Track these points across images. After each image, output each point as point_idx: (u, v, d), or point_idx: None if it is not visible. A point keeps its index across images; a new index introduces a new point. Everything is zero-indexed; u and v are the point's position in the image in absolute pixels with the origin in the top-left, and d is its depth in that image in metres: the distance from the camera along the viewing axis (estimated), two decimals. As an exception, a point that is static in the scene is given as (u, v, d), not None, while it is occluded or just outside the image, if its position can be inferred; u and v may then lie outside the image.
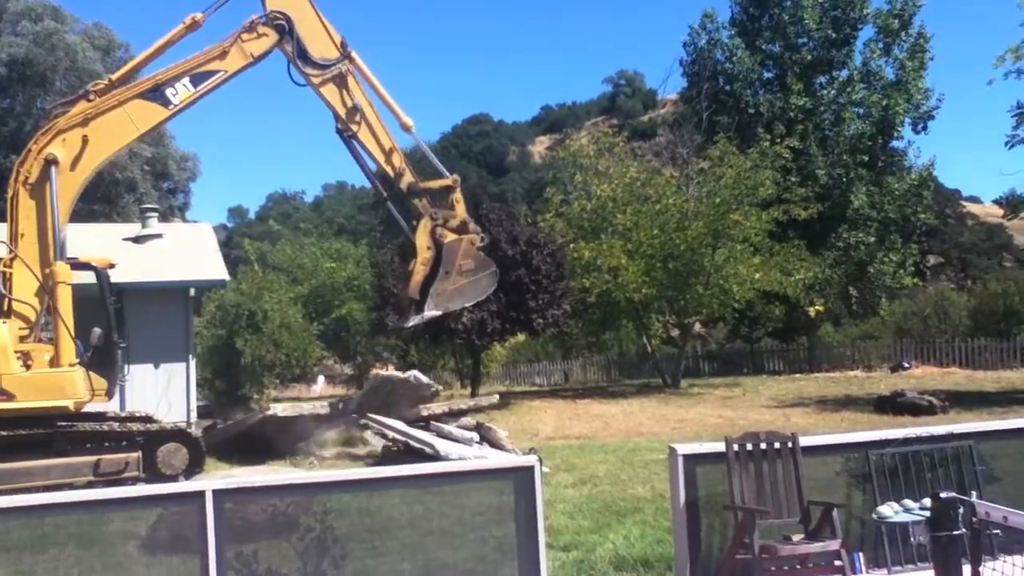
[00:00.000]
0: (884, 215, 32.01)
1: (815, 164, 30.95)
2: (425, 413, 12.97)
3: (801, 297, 28.39)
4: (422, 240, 10.77)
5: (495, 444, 12.37)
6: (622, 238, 24.34)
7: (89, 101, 10.51)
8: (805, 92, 32.12)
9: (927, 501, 4.94)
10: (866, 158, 31.80)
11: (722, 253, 24.40)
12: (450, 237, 10.70)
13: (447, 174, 11.23)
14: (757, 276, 24.46)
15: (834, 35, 32.60)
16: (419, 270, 10.69)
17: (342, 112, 10.89)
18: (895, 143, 33.18)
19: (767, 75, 33.80)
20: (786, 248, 26.29)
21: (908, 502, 5.34)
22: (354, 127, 10.92)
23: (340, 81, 10.87)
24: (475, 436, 12.39)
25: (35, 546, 4.58)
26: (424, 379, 14.74)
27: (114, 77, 11.01)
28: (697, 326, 35.07)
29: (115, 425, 10.90)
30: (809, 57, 32.66)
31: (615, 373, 35.64)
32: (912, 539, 5.03)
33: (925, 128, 33.13)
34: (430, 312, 10.67)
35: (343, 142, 11.16)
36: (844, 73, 33.01)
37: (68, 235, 11.05)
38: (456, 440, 11.95)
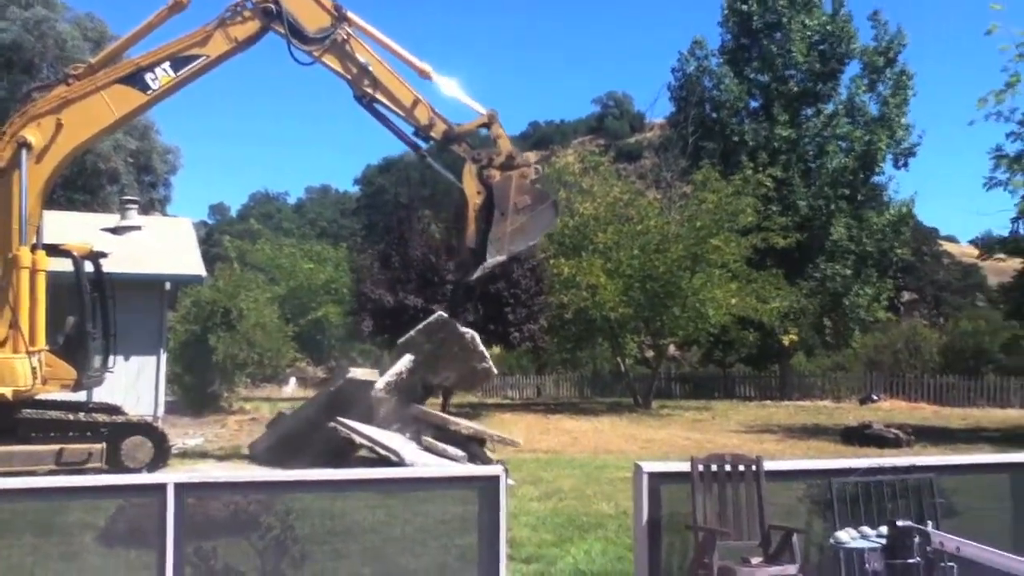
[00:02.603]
0: (862, 248, 32.41)
1: (797, 194, 31.29)
2: (452, 428, 11.97)
3: (776, 325, 28.60)
4: (470, 186, 10.26)
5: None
6: (602, 257, 24.46)
7: (68, 85, 10.25)
8: (790, 123, 32.51)
9: (884, 529, 5.01)
10: (847, 191, 32.20)
11: (700, 277, 24.55)
12: (498, 176, 10.19)
13: (481, 111, 10.66)
14: (733, 301, 24.63)
15: (821, 68, 33.05)
16: (472, 217, 10.19)
17: (350, 77, 10.46)
18: (876, 178, 33.65)
19: (753, 104, 34.20)
20: (763, 276, 26.50)
21: (865, 529, 5.39)
22: (368, 89, 10.47)
23: (340, 47, 10.42)
24: (465, 456, 11.99)
25: (-8, 532, 4.52)
26: (481, 347, 12.82)
27: (95, 61, 10.72)
28: (671, 348, 35.24)
29: (81, 415, 10.77)
30: (796, 89, 33.06)
31: (587, 390, 35.73)
32: (867, 566, 5.07)
33: (906, 164, 33.66)
34: (493, 259, 10.08)
35: (365, 109, 10.65)
36: (829, 107, 33.45)
37: (45, 222, 10.86)
38: (450, 459, 11.53)
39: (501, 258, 10.28)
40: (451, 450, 11.64)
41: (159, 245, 19.55)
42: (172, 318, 21.49)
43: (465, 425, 12.27)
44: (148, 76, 10.29)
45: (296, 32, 10.36)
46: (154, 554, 4.45)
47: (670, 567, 5.63)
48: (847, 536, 5.34)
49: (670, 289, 24.37)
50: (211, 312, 21.60)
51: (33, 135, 10.03)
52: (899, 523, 4.17)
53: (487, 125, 10.61)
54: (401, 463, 10.43)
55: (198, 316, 21.80)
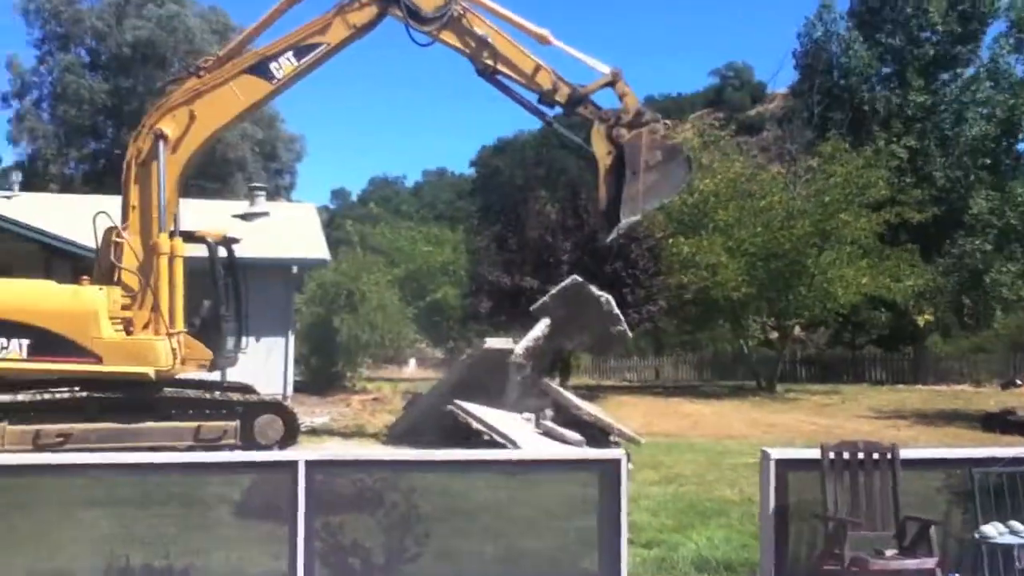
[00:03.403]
0: (1005, 222, 30.22)
1: (932, 165, 29.61)
2: (575, 412, 11.93)
3: (910, 305, 27.24)
4: (600, 147, 10.17)
5: None
6: (723, 235, 23.83)
7: (199, 77, 10.69)
8: (925, 89, 30.71)
9: (1037, 525, 4.68)
10: (988, 161, 30.24)
11: (828, 255, 23.65)
12: (628, 134, 10.04)
13: (604, 70, 10.48)
14: (864, 280, 23.61)
15: (960, 30, 31.04)
16: (603, 179, 10.11)
17: (469, 52, 10.51)
18: (1021, 146, 31.46)
19: (885, 70, 32.49)
20: (897, 253, 25.30)
21: (1015, 524, 5.07)
22: (489, 62, 10.48)
23: (457, 23, 10.46)
24: (583, 441, 11.94)
25: (139, 502, 4.80)
26: (616, 310, 12.74)
27: (222, 53, 11.12)
28: (797, 329, 34.07)
29: (216, 394, 11.32)
30: (931, 52, 31.19)
31: (708, 373, 35.00)
32: (1017, 563, 4.76)
33: (1056, 130, 31.25)
34: (627, 220, 9.96)
35: (489, 82, 10.67)
36: (969, 71, 31.40)
37: (181, 210, 11.41)
38: (566, 442, 11.51)
39: (636, 218, 10.14)
40: (570, 435, 11.55)
41: (286, 230, 20.32)
42: (298, 300, 22.34)
43: (587, 412, 12.14)
44: (272, 65, 10.60)
45: (413, 14, 10.45)
46: (285, 528, 4.63)
47: (797, 556, 5.47)
48: (994, 530, 5.04)
49: (795, 268, 23.58)
50: (335, 295, 22.31)
51: (169, 127, 10.50)
52: (1055, 519, 3.87)
53: (612, 84, 10.39)
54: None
55: (323, 298, 22.55)
